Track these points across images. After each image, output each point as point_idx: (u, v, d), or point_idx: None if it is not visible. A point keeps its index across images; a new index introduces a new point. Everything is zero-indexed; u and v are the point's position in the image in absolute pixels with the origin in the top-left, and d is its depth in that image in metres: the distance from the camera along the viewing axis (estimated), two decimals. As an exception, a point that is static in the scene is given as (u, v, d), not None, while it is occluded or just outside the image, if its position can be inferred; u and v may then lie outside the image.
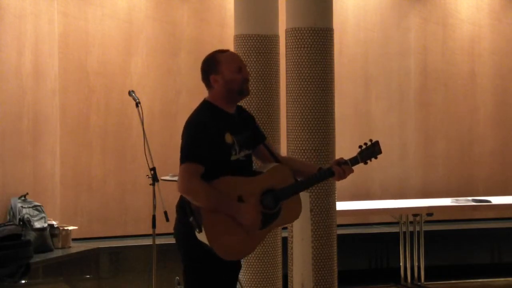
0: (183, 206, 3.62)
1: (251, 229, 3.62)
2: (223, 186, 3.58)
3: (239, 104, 3.87)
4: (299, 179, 3.82)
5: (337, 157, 6.16)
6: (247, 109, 3.93)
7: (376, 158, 3.87)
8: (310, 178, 3.81)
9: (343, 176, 3.83)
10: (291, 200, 3.76)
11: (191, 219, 3.54)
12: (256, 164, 4.12)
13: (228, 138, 3.66)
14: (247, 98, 6.20)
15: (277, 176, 3.76)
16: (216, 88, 3.72)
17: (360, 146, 3.85)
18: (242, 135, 3.75)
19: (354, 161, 3.85)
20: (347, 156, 3.90)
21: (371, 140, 3.86)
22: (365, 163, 3.88)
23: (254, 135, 3.88)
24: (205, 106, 3.75)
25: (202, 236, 3.54)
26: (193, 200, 3.55)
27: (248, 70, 3.89)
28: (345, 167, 3.81)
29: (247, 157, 3.78)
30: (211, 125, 3.62)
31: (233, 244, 3.60)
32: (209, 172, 3.57)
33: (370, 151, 3.84)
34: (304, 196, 5.71)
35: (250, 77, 3.83)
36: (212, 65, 3.73)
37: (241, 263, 3.94)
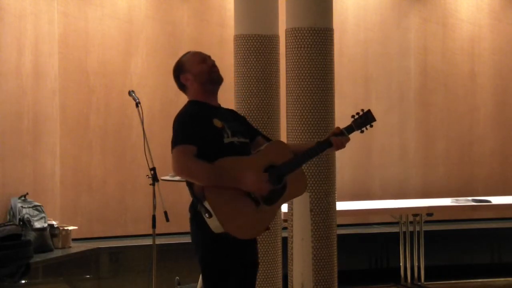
0: (193, 202, 3.63)
1: (260, 194, 3.61)
2: (223, 166, 3.59)
3: (231, 108, 3.96)
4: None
5: (337, 156, 6.20)
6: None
7: (371, 126, 3.96)
8: (309, 150, 3.86)
9: (340, 146, 3.89)
10: (295, 173, 3.79)
11: (198, 207, 3.55)
12: None
13: (217, 123, 3.71)
14: (247, 98, 6.25)
15: (274, 151, 3.80)
16: (190, 86, 3.83)
17: (353, 116, 3.94)
18: (232, 122, 3.79)
19: (350, 129, 3.92)
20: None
21: (362, 110, 3.97)
22: (361, 131, 3.96)
23: (249, 129, 3.94)
24: (188, 104, 3.84)
25: (214, 222, 3.53)
26: (192, 179, 3.56)
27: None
28: (342, 138, 3.87)
29: (242, 144, 3.78)
30: (197, 114, 3.70)
31: (245, 221, 3.61)
32: (205, 156, 3.58)
33: (364, 119, 3.94)
34: (304, 196, 5.72)
35: (216, 63, 3.88)
36: (179, 67, 3.88)
37: (258, 262, 3.92)
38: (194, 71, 3.80)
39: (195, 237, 3.71)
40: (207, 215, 3.53)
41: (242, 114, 4.08)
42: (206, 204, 3.53)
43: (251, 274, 3.83)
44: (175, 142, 3.64)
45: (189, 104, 3.82)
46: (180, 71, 3.85)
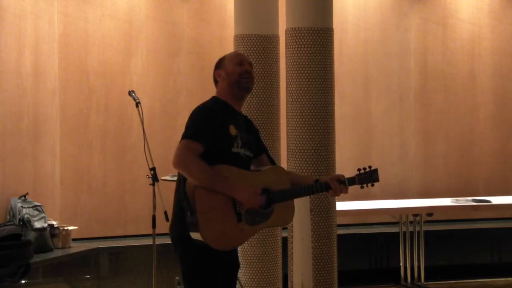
0: (181, 206, 3.61)
1: (249, 206, 3.61)
2: (221, 171, 3.59)
3: (246, 115, 3.95)
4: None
5: (337, 157, 6.20)
6: (246, 110, 3.95)
7: (373, 185, 3.91)
8: (306, 187, 3.84)
9: (337, 193, 3.86)
10: (284, 204, 3.78)
11: (184, 203, 3.55)
12: None
13: (232, 130, 3.71)
14: (248, 98, 6.21)
15: (274, 176, 3.80)
16: (220, 83, 3.84)
17: (359, 170, 3.90)
18: (245, 134, 3.79)
19: (351, 181, 3.88)
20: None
21: (370, 167, 3.91)
22: (362, 187, 3.92)
23: (258, 144, 3.93)
24: (212, 99, 3.84)
25: (193, 221, 3.52)
26: (188, 174, 3.55)
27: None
28: (342, 187, 3.84)
29: (246, 157, 3.79)
30: (217, 114, 3.69)
31: (221, 233, 3.58)
32: (208, 158, 3.57)
33: (368, 176, 3.89)
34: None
35: (252, 73, 3.88)
36: (219, 62, 3.89)
37: (239, 262, 3.93)
38: (227, 70, 3.81)
39: (177, 233, 3.70)
40: (189, 213, 3.52)
41: (256, 127, 4.06)
42: (191, 202, 3.52)
43: (232, 275, 3.84)
44: (186, 134, 3.62)
45: (213, 100, 3.83)
46: (217, 65, 3.87)
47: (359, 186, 3.91)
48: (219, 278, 3.68)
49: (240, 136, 3.74)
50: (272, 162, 3.96)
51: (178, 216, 3.67)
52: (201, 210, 3.52)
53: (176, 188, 3.72)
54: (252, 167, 3.88)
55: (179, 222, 3.64)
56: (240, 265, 3.98)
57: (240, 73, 3.79)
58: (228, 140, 3.68)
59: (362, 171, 3.89)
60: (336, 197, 3.97)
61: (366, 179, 3.88)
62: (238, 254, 3.89)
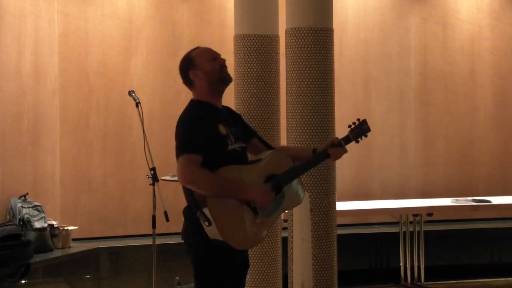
0: (190, 206, 3.62)
1: (263, 206, 3.61)
2: (225, 174, 3.58)
3: (225, 105, 3.90)
4: (296, 164, 3.86)
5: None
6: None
7: (366, 136, 3.99)
8: (307, 162, 3.86)
9: (338, 157, 3.94)
10: (291, 185, 3.80)
11: (198, 213, 3.54)
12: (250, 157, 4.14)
13: (222, 129, 3.67)
14: (248, 98, 6.25)
15: (276, 161, 3.79)
16: (198, 84, 3.75)
17: (350, 126, 3.96)
18: (234, 127, 3.77)
19: (347, 140, 3.95)
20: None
21: (358, 119, 3.97)
22: (357, 141, 3.99)
23: (245, 130, 3.91)
24: (192, 104, 3.78)
25: (212, 230, 3.52)
26: (197, 189, 3.53)
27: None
28: (339, 149, 3.92)
29: (242, 149, 3.78)
30: (202, 119, 3.64)
31: (243, 233, 3.59)
32: (208, 164, 3.56)
33: (359, 129, 3.96)
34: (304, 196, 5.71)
35: (226, 64, 3.82)
36: (188, 62, 3.77)
37: (249, 262, 3.93)
38: (205, 69, 3.72)
39: (190, 237, 3.68)
40: (206, 223, 3.51)
41: (238, 112, 4.03)
42: (206, 212, 3.51)
43: (242, 276, 3.83)
44: (181, 150, 3.57)
45: (193, 105, 3.76)
46: (189, 66, 3.75)
47: (355, 141, 3.97)
48: (231, 278, 3.68)
49: (230, 131, 3.71)
50: (265, 144, 3.95)
51: (191, 223, 3.63)
52: (217, 218, 3.51)
53: (184, 192, 3.69)
54: (250, 157, 3.87)
55: (192, 228, 3.61)
56: (249, 265, 3.97)
57: (220, 69, 3.73)
58: (221, 140, 3.65)
59: (352, 126, 3.95)
60: (335, 161, 3.99)
61: (359, 133, 3.96)
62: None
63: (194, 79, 3.75)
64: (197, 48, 3.84)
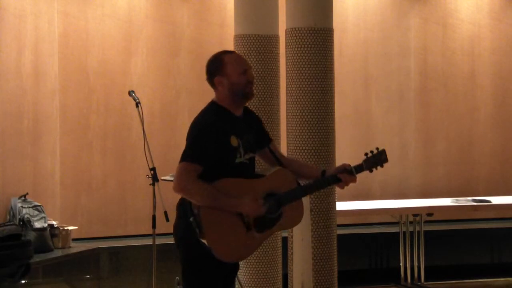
0: (184, 205, 3.61)
1: (255, 218, 3.59)
2: (224, 187, 3.57)
3: (250, 110, 3.87)
4: (302, 183, 3.80)
5: (337, 157, 6.20)
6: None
7: (382, 166, 3.82)
8: (314, 183, 3.80)
9: (346, 184, 3.79)
10: (293, 205, 3.75)
11: (191, 219, 3.54)
12: (260, 165, 4.11)
13: (234, 141, 3.64)
14: (247, 98, 6.25)
15: (279, 180, 3.75)
16: (221, 90, 3.71)
17: (366, 154, 3.81)
18: (247, 138, 3.73)
19: (359, 168, 3.80)
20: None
21: (377, 148, 3.83)
22: (370, 171, 3.83)
23: (259, 137, 3.85)
24: (212, 107, 3.73)
25: (201, 235, 3.54)
26: (189, 198, 3.54)
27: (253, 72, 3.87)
28: (350, 177, 3.76)
29: (250, 160, 3.76)
30: (217, 127, 3.60)
31: (232, 246, 3.60)
32: (211, 174, 3.55)
33: (376, 158, 3.81)
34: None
35: (254, 79, 3.82)
36: (218, 66, 3.72)
37: (239, 263, 3.94)
38: (232, 80, 3.67)
39: (181, 232, 3.67)
40: (197, 230, 3.52)
41: (259, 117, 3.95)
42: (199, 219, 3.52)
43: (231, 276, 3.83)
44: (183, 157, 3.57)
45: (212, 108, 3.71)
46: (218, 71, 3.70)
47: (368, 171, 3.81)
48: (219, 278, 3.68)
49: (243, 142, 3.68)
50: (276, 158, 3.87)
51: (183, 219, 3.63)
52: (208, 228, 3.52)
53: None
54: (258, 170, 3.83)
55: (184, 224, 3.61)
56: (239, 267, 3.97)
57: (245, 84, 3.70)
58: (230, 153, 3.63)
59: (369, 154, 3.80)
60: (342, 188, 3.89)
61: (375, 162, 3.80)
62: None
63: (218, 85, 3.71)
64: (231, 53, 3.81)
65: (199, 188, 3.51)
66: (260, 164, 4.05)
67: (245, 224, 3.60)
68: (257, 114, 3.97)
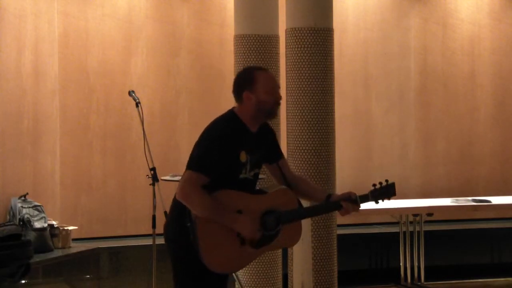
0: (180, 208, 3.60)
1: (249, 239, 3.59)
2: (224, 199, 3.56)
3: (268, 127, 3.85)
4: (304, 205, 3.79)
5: (337, 157, 6.20)
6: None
7: (389, 199, 3.81)
8: (315, 208, 3.80)
9: (348, 212, 3.78)
10: (291, 225, 3.73)
11: (188, 224, 3.54)
12: (270, 181, 4.08)
13: (243, 156, 3.63)
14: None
15: (281, 199, 3.73)
16: (247, 105, 3.68)
17: (374, 185, 3.79)
18: (257, 155, 3.72)
19: (364, 199, 3.80)
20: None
21: (387, 181, 3.81)
22: (376, 202, 3.82)
23: (269, 152, 3.84)
24: (230, 116, 3.71)
25: (194, 243, 3.53)
26: (191, 208, 3.54)
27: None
28: (353, 206, 3.76)
29: (254, 176, 3.75)
30: (230, 141, 3.59)
31: (224, 258, 3.59)
32: (214, 185, 3.54)
33: (384, 191, 3.82)
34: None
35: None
36: (249, 81, 3.70)
37: None
38: (260, 98, 3.65)
39: (172, 236, 3.68)
40: (192, 236, 3.52)
41: (272, 130, 3.92)
42: (195, 227, 3.52)
43: (223, 278, 3.81)
44: (191, 165, 3.56)
45: (229, 118, 3.69)
46: (247, 85, 3.68)
47: (374, 202, 3.81)
48: (212, 277, 3.66)
49: (251, 159, 3.67)
50: (283, 176, 3.84)
51: (177, 223, 3.63)
52: (202, 237, 3.52)
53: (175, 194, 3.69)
54: (263, 186, 3.84)
55: (179, 227, 3.61)
56: None
57: (273, 104, 3.69)
58: (237, 167, 3.62)
59: (378, 185, 3.77)
60: (343, 216, 3.87)
61: (382, 194, 3.79)
62: None
63: (246, 100, 3.68)
64: (264, 70, 3.78)
65: (202, 200, 3.50)
66: (270, 180, 4.02)
67: (239, 238, 3.60)
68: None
